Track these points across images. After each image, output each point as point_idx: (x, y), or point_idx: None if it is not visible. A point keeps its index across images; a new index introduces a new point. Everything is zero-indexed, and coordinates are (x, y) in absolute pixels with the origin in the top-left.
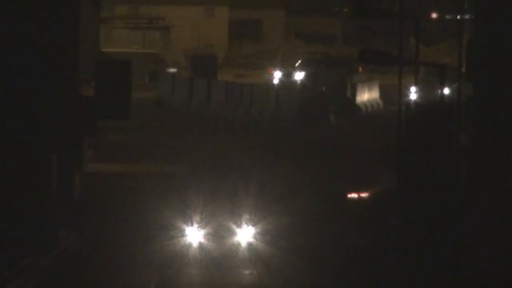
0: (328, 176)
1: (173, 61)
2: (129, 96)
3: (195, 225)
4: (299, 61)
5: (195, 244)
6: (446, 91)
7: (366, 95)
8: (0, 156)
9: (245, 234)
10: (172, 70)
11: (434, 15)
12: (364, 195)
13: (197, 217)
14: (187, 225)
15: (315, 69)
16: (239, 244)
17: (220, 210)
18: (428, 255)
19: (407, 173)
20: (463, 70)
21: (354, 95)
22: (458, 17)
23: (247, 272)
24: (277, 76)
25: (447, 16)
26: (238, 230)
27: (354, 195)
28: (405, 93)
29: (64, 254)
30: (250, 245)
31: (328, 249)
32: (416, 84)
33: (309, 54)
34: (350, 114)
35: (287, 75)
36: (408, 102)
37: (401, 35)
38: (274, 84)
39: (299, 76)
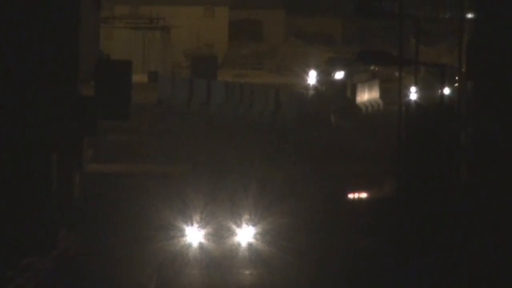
0: (328, 176)
1: (173, 61)
2: (129, 96)
3: (195, 225)
4: (325, 62)
5: (195, 244)
6: (446, 91)
7: (366, 95)
8: (0, 156)
9: (245, 234)
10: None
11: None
12: (364, 195)
13: (197, 217)
14: (187, 225)
15: (350, 68)
16: (239, 244)
17: (220, 210)
18: (428, 256)
19: (407, 173)
20: (463, 70)
21: (354, 95)
22: (458, 17)
23: (247, 272)
24: (312, 75)
25: (447, 16)
26: (238, 230)
27: (354, 196)
28: (405, 93)
29: (64, 254)
30: (250, 245)
31: (328, 249)
32: (416, 84)
33: (334, 54)
34: (350, 114)
35: (327, 74)
36: (408, 102)
37: (401, 35)
38: (309, 84)
39: (339, 75)
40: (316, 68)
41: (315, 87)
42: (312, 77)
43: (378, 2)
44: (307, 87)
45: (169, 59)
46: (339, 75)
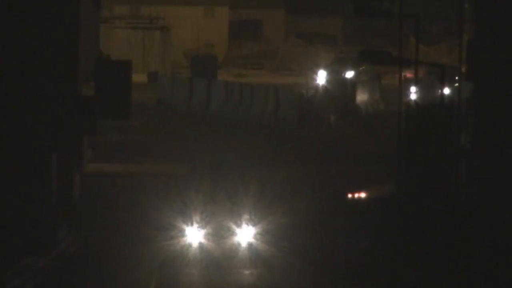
0: (328, 176)
1: (173, 61)
2: (129, 96)
3: (195, 225)
4: (332, 60)
5: (195, 244)
6: (446, 91)
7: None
8: (0, 156)
9: (245, 234)
10: None
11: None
12: (363, 195)
13: (197, 217)
14: (187, 225)
15: (357, 68)
16: (239, 244)
17: (220, 210)
18: (428, 256)
19: (407, 173)
20: (463, 70)
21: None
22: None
23: (247, 272)
24: (321, 75)
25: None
26: (238, 230)
27: (353, 196)
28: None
29: (64, 254)
30: (250, 245)
31: (328, 249)
32: (416, 84)
33: (341, 54)
34: (350, 114)
35: (337, 73)
36: (408, 102)
37: (401, 35)
38: (318, 84)
39: (349, 74)
40: (325, 67)
41: (324, 87)
42: (321, 77)
43: (378, 2)
44: (316, 87)
45: (169, 59)
46: (349, 74)
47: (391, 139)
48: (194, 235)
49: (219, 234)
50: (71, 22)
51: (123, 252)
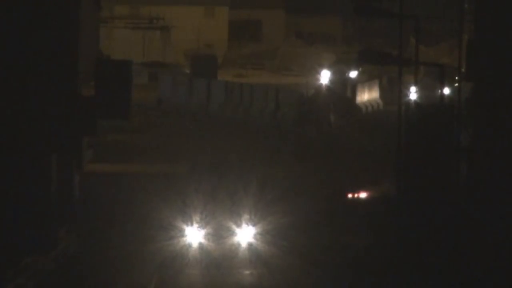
0: (328, 176)
1: (173, 61)
2: (129, 96)
3: (195, 225)
4: (335, 60)
5: (195, 244)
6: (446, 91)
7: (366, 95)
8: (0, 156)
9: (245, 234)
10: None
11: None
12: (363, 195)
13: (197, 217)
14: (187, 225)
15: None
16: (239, 244)
17: (220, 210)
18: (428, 256)
19: (407, 173)
20: (463, 70)
21: (354, 95)
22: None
23: (247, 272)
24: (324, 75)
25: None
26: (238, 230)
27: (354, 196)
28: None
29: (64, 254)
30: (250, 245)
31: (328, 249)
32: (416, 84)
33: (342, 53)
34: (350, 114)
35: (341, 73)
36: (408, 102)
37: (401, 35)
38: (321, 84)
39: (353, 74)
40: (329, 67)
41: (327, 87)
42: (325, 77)
43: (378, 2)
44: (318, 86)
45: (169, 59)
46: (353, 74)
47: (391, 139)
48: (194, 235)
49: (219, 234)
50: (71, 22)
51: (123, 252)
